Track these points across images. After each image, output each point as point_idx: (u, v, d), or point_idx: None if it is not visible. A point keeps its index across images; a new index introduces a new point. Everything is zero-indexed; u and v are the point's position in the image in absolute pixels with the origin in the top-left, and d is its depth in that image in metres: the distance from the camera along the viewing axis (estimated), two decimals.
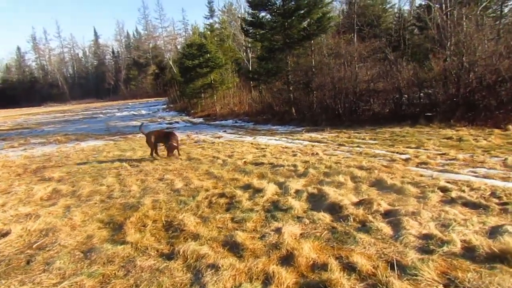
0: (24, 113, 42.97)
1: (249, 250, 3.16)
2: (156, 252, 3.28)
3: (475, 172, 5.24)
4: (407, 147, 7.47)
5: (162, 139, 8.05)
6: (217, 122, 17.16)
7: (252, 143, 9.49)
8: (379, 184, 4.89)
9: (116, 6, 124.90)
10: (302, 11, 14.58)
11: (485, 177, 4.97)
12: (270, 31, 15.14)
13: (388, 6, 30.54)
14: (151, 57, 78.30)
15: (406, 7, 31.48)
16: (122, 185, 5.87)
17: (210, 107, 20.80)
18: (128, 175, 6.51)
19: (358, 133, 10.23)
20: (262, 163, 6.68)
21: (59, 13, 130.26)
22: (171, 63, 38.93)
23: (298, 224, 3.69)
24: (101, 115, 27.90)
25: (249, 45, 23.76)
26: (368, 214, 3.81)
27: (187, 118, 20.35)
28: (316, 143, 8.87)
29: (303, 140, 9.58)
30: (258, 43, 17.60)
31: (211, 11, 41.74)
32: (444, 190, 4.45)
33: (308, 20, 14.84)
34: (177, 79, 23.75)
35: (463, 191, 4.39)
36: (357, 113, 13.13)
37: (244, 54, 25.70)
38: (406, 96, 11.57)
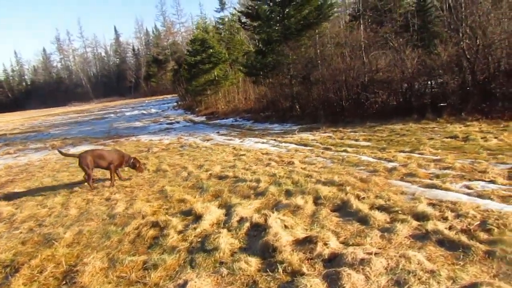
0: (45, 114, 43.98)
1: None
2: None
3: (469, 188, 4.23)
4: (400, 151, 6.43)
5: (101, 160, 6.09)
6: (218, 120, 16.46)
7: (234, 148, 8.69)
8: (343, 209, 4.00)
9: (135, 6, 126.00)
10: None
11: (479, 195, 3.96)
12: (266, 22, 14.14)
13: None
14: (170, 54, 78.35)
15: None
16: (64, 207, 5.25)
17: (214, 104, 20.08)
18: (79, 193, 5.90)
19: (354, 131, 9.20)
20: (227, 177, 5.88)
21: (82, 13, 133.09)
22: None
23: (213, 276, 2.88)
24: (111, 115, 27.88)
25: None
26: (306, 260, 2.95)
27: (190, 117, 19.76)
28: (301, 147, 7.97)
29: (291, 142, 8.68)
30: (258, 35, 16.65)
31: (222, 3, 40.79)
32: (421, 217, 3.52)
33: (308, 9, 13.71)
34: (183, 76, 23.14)
35: (445, 219, 3.44)
36: (363, 107, 11.98)
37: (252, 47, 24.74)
38: (413, 86, 10.34)
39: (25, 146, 14.53)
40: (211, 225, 3.94)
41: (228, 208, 4.36)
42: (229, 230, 3.71)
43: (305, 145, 8.12)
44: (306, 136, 9.46)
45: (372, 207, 3.91)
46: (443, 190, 4.25)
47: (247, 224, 3.77)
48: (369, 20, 14.61)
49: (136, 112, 28.51)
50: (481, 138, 6.71)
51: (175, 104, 27.42)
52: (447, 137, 7.16)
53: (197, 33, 22.25)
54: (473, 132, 7.32)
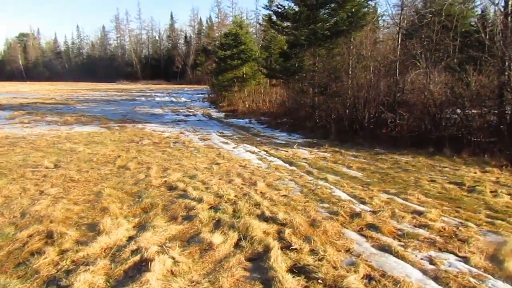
0: (91, 88, 45.86)
1: None
2: None
3: (431, 262, 3.30)
4: (384, 191, 5.46)
5: None
6: (233, 119, 15.89)
7: (218, 154, 8.09)
8: (259, 260, 3.24)
9: None
10: (333, 4, 12.51)
11: (436, 278, 3.04)
12: (294, 24, 13.31)
13: (472, 5, 26.02)
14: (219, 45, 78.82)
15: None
16: None
17: (237, 102, 19.52)
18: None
19: (355, 156, 8.22)
20: (176, 188, 5.28)
21: None
22: None
23: None
24: (142, 98, 28.29)
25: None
26: None
27: (210, 111, 19.36)
28: (285, 165, 7.17)
29: (280, 158, 7.89)
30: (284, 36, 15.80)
31: (271, 1, 39.96)
32: None
33: (341, 15, 12.70)
34: (212, 69, 22.80)
35: None
36: (381, 128, 10.87)
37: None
38: (435, 115, 9.10)
39: (42, 117, 14.87)
40: (102, 250, 3.35)
41: (139, 230, 3.76)
42: (111, 262, 3.10)
43: (291, 163, 7.30)
44: (302, 152, 8.62)
45: (293, 266, 3.12)
46: (398, 258, 3.35)
47: (136, 259, 3.13)
48: (405, 35, 13.24)
49: (166, 98, 28.71)
50: (491, 192, 5.54)
51: (206, 96, 27.23)
52: (451, 183, 6.04)
53: (231, 27, 21.80)
54: (486, 181, 6.13)
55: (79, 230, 3.73)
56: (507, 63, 8.65)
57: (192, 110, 19.60)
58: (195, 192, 4.95)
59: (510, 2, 9.12)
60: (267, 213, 4.25)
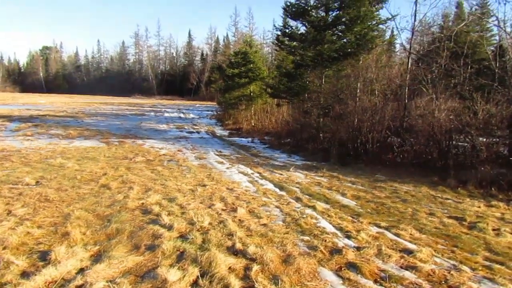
0: (105, 101, 46.61)
1: None
2: None
3: None
4: (375, 224, 5.03)
5: None
6: (236, 138, 15.68)
7: (208, 175, 7.78)
8: None
9: (212, 11, 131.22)
10: (340, 26, 12.33)
11: None
12: (300, 44, 13.15)
13: (489, 34, 25.47)
14: None
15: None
16: None
17: (242, 120, 19.34)
18: None
19: (352, 182, 7.80)
20: (150, 212, 4.98)
21: (163, 13, 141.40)
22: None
23: None
24: (152, 114, 28.43)
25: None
26: None
27: (215, 129, 19.22)
28: (275, 190, 6.80)
29: (272, 181, 7.53)
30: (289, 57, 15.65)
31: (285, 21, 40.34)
32: None
33: (347, 38, 12.50)
34: (219, 87, 22.81)
35: None
36: (386, 153, 10.43)
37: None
38: (440, 143, 8.65)
39: (47, 130, 14.93)
40: (45, 284, 3.04)
41: (94, 261, 3.45)
42: None
43: (282, 188, 6.93)
44: (298, 175, 8.25)
45: None
46: None
47: None
48: (416, 61, 12.91)
49: (175, 114, 28.81)
50: (494, 229, 5.05)
51: (214, 113, 27.23)
52: (451, 217, 5.57)
53: (241, 46, 21.86)
54: (489, 217, 5.64)
55: (29, 259, 3.44)
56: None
57: (197, 127, 19.49)
58: (168, 218, 4.63)
59: None
60: (238, 246, 3.89)
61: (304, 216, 5.18)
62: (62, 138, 12.84)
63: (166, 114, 28.23)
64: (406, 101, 10.64)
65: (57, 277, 3.12)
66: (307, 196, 6.39)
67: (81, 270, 3.28)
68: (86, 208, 4.99)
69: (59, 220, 4.51)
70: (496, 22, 9.67)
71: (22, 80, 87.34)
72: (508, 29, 9.57)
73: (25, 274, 3.18)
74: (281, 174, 8.28)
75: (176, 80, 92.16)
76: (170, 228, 4.33)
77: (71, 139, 12.62)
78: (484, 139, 8.21)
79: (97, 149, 10.51)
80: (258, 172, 8.35)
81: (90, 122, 19.31)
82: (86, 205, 5.16)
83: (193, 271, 3.29)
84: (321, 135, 12.55)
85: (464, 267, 3.76)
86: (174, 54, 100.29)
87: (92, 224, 4.44)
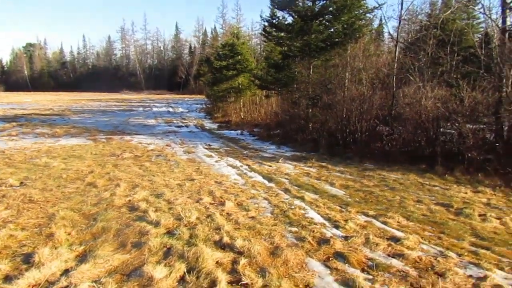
0: (93, 98, 45.96)
1: None
2: None
3: None
4: (363, 213, 5.05)
5: None
6: (225, 131, 15.59)
7: (197, 169, 7.72)
8: None
9: (199, 5, 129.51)
10: (327, 16, 12.25)
11: None
12: (287, 35, 13.06)
13: (475, 22, 25.52)
14: None
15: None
16: None
17: (232, 112, 19.23)
18: None
19: (341, 172, 7.82)
20: (137, 209, 4.92)
21: (149, 6, 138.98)
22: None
23: None
24: (140, 109, 28.12)
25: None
26: None
27: (204, 122, 19.09)
28: (263, 182, 6.78)
29: (261, 173, 7.51)
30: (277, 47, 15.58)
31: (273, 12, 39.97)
32: None
33: (334, 28, 12.44)
34: (207, 80, 22.62)
35: None
36: (374, 142, 10.48)
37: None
38: (427, 130, 8.71)
39: (32, 129, 14.64)
40: (29, 287, 2.98)
41: (79, 261, 3.40)
42: None
43: (270, 180, 6.91)
44: (287, 167, 8.24)
45: None
46: None
47: None
48: (404, 49, 12.92)
49: (164, 108, 28.55)
50: (480, 215, 5.11)
51: (203, 106, 27.03)
52: (438, 204, 5.62)
53: (228, 38, 21.64)
54: (476, 203, 5.71)
55: (12, 262, 3.37)
56: (504, 80, 8.29)
57: (186, 121, 19.33)
58: (155, 214, 4.58)
59: (508, 18, 8.81)
60: (226, 239, 3.87)
61: (293, 207, 5.17)
62: (48, 137, 12.60)
63: (155, 109, 27.96)
64: (394, 89, 10.67)
65: (41, 279, 3.07)
66: (295, 187, 6.39)
67: (66, 271, 3.23)
68: (72, 208, 4.91)
69: (43, 221, 4.42)
70: (482, 10, 9.69)
71: (6, 79, 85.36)
72: (494, 16, 9.59)
73: (8, 278, 3.11)
74: (270, 166, 8.26)
75: (164, 74, 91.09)
76: (157, 224, 4.29)
77: (57, 138, 12.39)
78: (471, 126, 8.29)
79: (83, 147, 10.35)
80: (247, 165, 8.32)
81: (77, 120, 19.01)
82: (72, 204, 5.08)
83: (180, 267, 3.26)
84: (310, 125, 12.52)
85: (451, 253, 3.80)
86: (162, 48, 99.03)
87: (78, 223, 4.37)
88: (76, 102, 35.59)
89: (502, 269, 3.46)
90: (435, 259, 3.65)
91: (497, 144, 8.09)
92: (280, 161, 8.86)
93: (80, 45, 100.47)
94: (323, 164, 8.58)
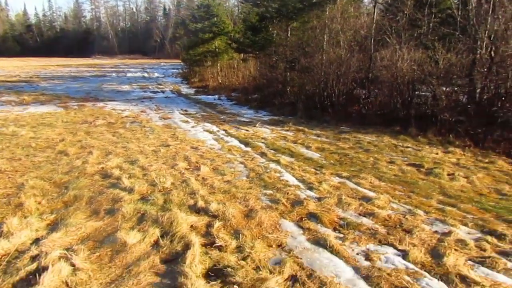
0: (62, 63, 43.81)
1: None
2: None
3: (367, 258, 3.03)
4: (337, 175, 5.15)
5: None
6: (202, 96, 15.30)
7: (173, 135, 7.62)
8: (176, 261, 2.88)
9: None
10: None
11: (367, 277, 2.76)
12: None
13: None
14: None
15: None
16: None
17: (209, 77, 18.81)
18: None
19: (318, 135, 7.90)
20: (110, 176, 4.83)
21: None
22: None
23: None
24: (113, 74, 27.09)
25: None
26: None
27: (181, 87, 18.64)
28: (240, 146, 6.78)
29: (237, 138, 7.48)
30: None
31: None
32: None
33: None
34: (183, 43, 21.84)
35: None
36: (352, 106, 10.57)
37: None
38: (402, 93, 8.81)
39: None
40: None
41: (50, 230, 3.34)
42: (2, 273, 2.71)
43: (247, 144, 6.90)
44: (264, 131, 8.24)
45: (211, 268, 2.79)
46: (332, 254, 3.06)
47: (31, 268, 2.73)
48: (383, 11, 12.71)
49: (139, 74, 27.64)
50: (448, 174, 5.30)
51: (179, 71, 26.27)
52: (410, 164, 5.79)
53: None
54: (446, 163, 5.91)
55: None
56: (479, 42, 8.33)
57: (162, 86, 18.81)
58: (129, 181, 4.51)
59: None
60: (200, 204, 3.88)
61: (268, 170, 5.21)
62: (15, 105, 12.02)
63: (129, 74, 27.00)
64: (372, 52, 10.62)
65: (10, 249, 3.00)
66: (272, 151, 6.42)
67: (37, 240, 3.17)
68: (42, 177, 4.76)
69: (12, 191, 4.28)
70: None
71: None
72: None
73: None
74: (247, 130, 8.23)
75: (138, 38, 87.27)
76: (130, 191, 4.23)
77: (25, 105, 11.84)
78: (445, 88, 8.42)
79: (54, 115, 9.95)
80: (224, 130, 8.25)
81: (46, 86, 18.13)
82: (42, 173, 4.93)
83: (154, 232, 3.26)
84: (288, 89, 12.44)
85: (419, 211, 3.95)
86: (134, 10, 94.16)
87: (48, 192, 4.26)
88: (45, 68, 33.82)
89: (466, 224, 3.63)
90: (404, 217, 3.79)
91: (469, 106, 8.29)
92: (257, 125, 8.83)
93: (45, 7, 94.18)
94: (300, 127, 8.61)
